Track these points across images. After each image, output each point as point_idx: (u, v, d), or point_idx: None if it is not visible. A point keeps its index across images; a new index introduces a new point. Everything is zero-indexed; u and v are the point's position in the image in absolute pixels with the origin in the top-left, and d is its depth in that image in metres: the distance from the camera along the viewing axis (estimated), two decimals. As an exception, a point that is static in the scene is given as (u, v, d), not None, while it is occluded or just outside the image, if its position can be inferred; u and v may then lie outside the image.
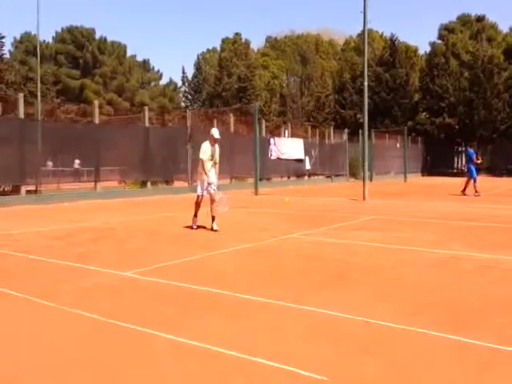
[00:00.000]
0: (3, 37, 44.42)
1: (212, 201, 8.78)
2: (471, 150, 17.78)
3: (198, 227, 8.90)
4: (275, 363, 3.02)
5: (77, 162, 17.93)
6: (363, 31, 16.28)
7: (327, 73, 55.85)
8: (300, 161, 25.65)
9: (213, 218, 8.72)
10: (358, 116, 40.59)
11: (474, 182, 16.96)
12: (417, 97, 44.10)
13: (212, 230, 8.63)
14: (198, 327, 3.71)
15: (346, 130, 32.44)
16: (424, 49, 61.34)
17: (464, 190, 17.07)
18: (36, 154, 14.62)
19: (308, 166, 26.74)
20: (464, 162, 46.40)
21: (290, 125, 29.83)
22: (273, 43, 69.34)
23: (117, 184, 18.71)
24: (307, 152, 26.39)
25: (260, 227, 9.27)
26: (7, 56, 45.43)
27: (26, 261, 6.13)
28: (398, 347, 3.33)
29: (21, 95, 15.35)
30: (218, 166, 9.04)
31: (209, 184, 8.73)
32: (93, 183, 16.42)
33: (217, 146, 8.99)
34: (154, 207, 13.40)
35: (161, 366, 3.04)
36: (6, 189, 14.22)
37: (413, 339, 3.48)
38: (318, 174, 28.49)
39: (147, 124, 18.79)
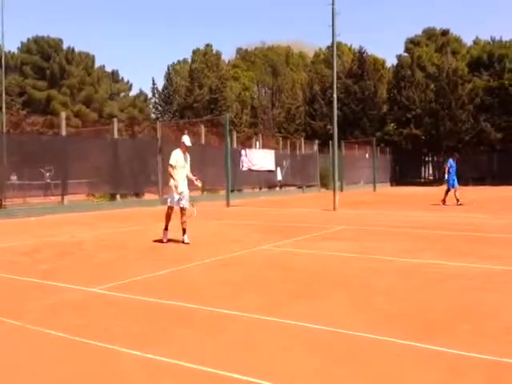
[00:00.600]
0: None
1: (182, 213, 8.60)
2: (451, 160, 17.89)
3: (169, 240, 8.72)
4: (250, 378, 2.98)
5: (47, 174, 17.48)
6: (332, 44, 16.60)
7: (298, 84, 56.63)
8: (271, 172, 25.80)
9: (184, 231, 8.57)
10: (328, 127, 41.14)
11: (455, 191, 17.18)
12: (385, 108, 45.17)
13: (183, 242, 8.49)
14: (169, 343, 3.64)
15: (316, 141, 32.84)
16: (391, 61, 62.87)
17: (444, 200, 17.25)
18: (1, 167, 14.21)
19: (279, 177, 26.89)
20: (431, 172, 47.64)
21: (261, 136, 30.00)
22: (243, 55, 69.91)
23: (85, 197, 18.34)
24: (278, 163, 26.57)
25: (232, 239, 9.23)
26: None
27: (-11, 278, 5.91)
28: (371, 357, 3.34)
29: (-16, 107, 14.94)
30: (189, 175, 8.84)
31: (180, 194, 8.55)
32: (60, 197, 16.06)
33: (187, 155, 8.83)
34: (123, 221, 13.19)
35: (129, 383, 2.97)
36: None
37: (385, 348, 3.50)
38: (289, 185, 28.68)
39: (116, 136, 18.55)
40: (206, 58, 57.39)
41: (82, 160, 17.27)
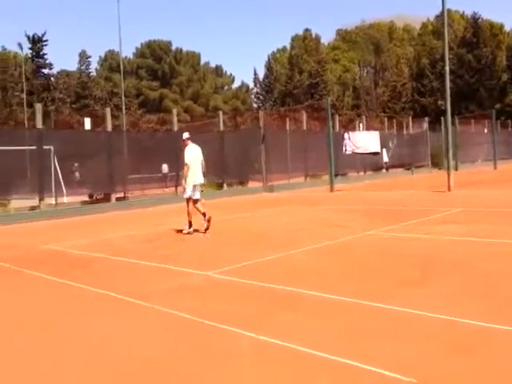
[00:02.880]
0: (89, 56, 47.93)
1: (195, 202, 8.88)
2: None
3: (195, 231, 8.82)
4: (359, 363, 3.01)
5: (164, 166, 18.62)
6: (442, 12, 15.50)
7: (403, 60, 53.84)
8: (377, 154, 24.93)
9: (205, 215, 8.73)
10: (440, 103, 38.69)
11: None
12: (505, 77, 41.10)
13: (206, 231, 8.65)
14: (278, 326, 3.80)
15: (426, 119, 31.06)
16: (510, 25, 56.89)
17: None
18: (123, 163, 15.61)
19: (386, 159, 25.95)
20: None
21: (365, 117, 29.17)
22: (343, 35, 68.07)
23: (169, 191, 19.36)
24: (384, 144, 25.59)
25: (337, 224, 9.19)
26: (94, 74, 48.90)
27: (120, 263, 6.61)
28: (488, 346, 3.18)
29: (108, 110, 16.47)
30: (204, 164, 9.12)
31: (194, 186, 8.89)
32: (174, 188, 17.19)
33: (197, 146, 9.09)
34: (230, 208, 13.74)
35: (244, 363, 3.17)
36: (98, 197, 15.33)
37: (503, 337, 3.31)
38: (396, 167, 27.55)
39: (222, 128, 19.32)
40: (305, 43, 56.99)
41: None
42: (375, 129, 27.52)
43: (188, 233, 8.82)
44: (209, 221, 8.71)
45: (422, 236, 7.40)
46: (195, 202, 8.94)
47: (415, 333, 3.51)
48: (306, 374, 2.95)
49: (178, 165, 17.03)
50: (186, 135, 9.18)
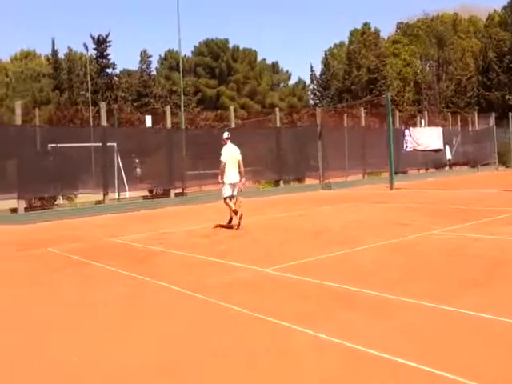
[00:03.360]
0: (150, 56, 49.48)
1: (236, 200, 9.26)
2: None
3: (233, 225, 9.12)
4: (421, 365, 2.92)
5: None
6: (510, 2, 14.62)
7: (468, 53, 51.37)
8: (439, 151, 24.03)
9: (236, 213, 9.01)
10: (507, 97, 36.64)
11: None
12: None
13: (239, 227, 8.94)
14: (337, 324, 3.75)
15: (492, 114, 29.47)
16: None
17: None
18: (181, 159, 16.00)
19: (449, 156, 24.93)
20: None
21: (427, 113, 28.13)
22: (405, 29, 65.86)
23: (251, 184, 19.54)
24: (447, 141, 24.59)
25: (399, 223, 8.93)
26: (154, 73, 50.47)
27: (179, 257, 6.78)
28: None
29: (168, 107, 16.97)
30: (241, 164, 9.34)
31: (233, 185, 9.23)
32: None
33: (235, 146, 9.35)
34: (287, 205, 13.71)
35: (301, 359, 3.15)
36: (157, 192, 15.82)
37: None
38: (460, 164, 26.38)
39: (278, 124, 19.31)
40: (363, 37, 55.67)
41: (249, 149, 18.43)
42: (438, 125, 26.50)
43: (230, 226, 9.18)
44: (240, 217, 8.98)
45: (487, 237, 7.04)
46: (231, 199, 9.28)
47: (479, 336, 3.35)
48: (366, 373, 2.89)
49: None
50: (225, 135, 9.52)
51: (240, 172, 9.41)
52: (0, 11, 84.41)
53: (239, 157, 9.42)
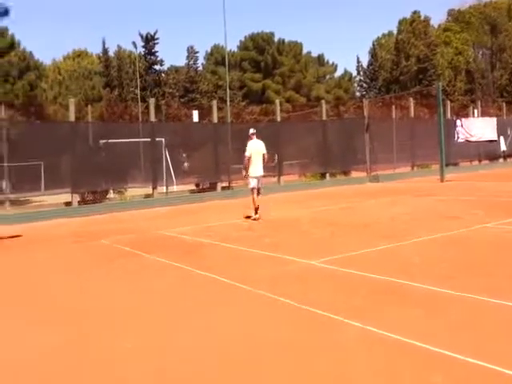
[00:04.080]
0: (197, 52, 50.15)
1: (258, 193, 9.80)
2: None
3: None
4: (476, 360, 2.83)
5: (276, 157, 18.77)
6: None
7: (524, 39, 48.72)
8: (493, 142, 23.00)
9: (257, 207, 9.63)
10: None
11: None
12: None
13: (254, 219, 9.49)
14: (387, 318, 3.69)
15: (551, 103, 27.89)
16: None
17: None
18: (227, 153, 16.16)
19: (503, 147, 23.81)
20: None
21: (480, 103, 26.94)
22: (456, 16, 63.29)
23: (297, 177, 19.46)
24: (502, 132, 23.50)
25: (450, 216, 8.64)
26: (200, 68, 51.13)
27: (226, 249, 6.87)
28: None
29: (214, 102, 17.14)
30: (265, 158, 9.88)
31: (258, 178, 9.79)
32: (277, 177, 17.41)
33: (260, 141, 9.87)
34: (333, 198, 13.56)
35: (353, 353, 3.13)
36: (204, 186, 16.06)
37: None
38: (516, 156, 25.14)
39: (324, 117, 19.10)
40: (412, 26, 53.94)
41: (295, 142, 18.35)
42: (491, 115, 25.38)
43: (254, 219, 9.57)
44: (256, 211, 9.64)
45: (548, 231, 6.69)
46: (258, 192, 9.83)
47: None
48: (418, 367, 2.84)
49: (280, 154, 17.28)
50: (251, 131, 10.00)
51: (264, 166, 9.98)
52: (53, 12, 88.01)
53: (264, 150, 9.94)
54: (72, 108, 13.48)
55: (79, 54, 56.57)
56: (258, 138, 10.10)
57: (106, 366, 3.18)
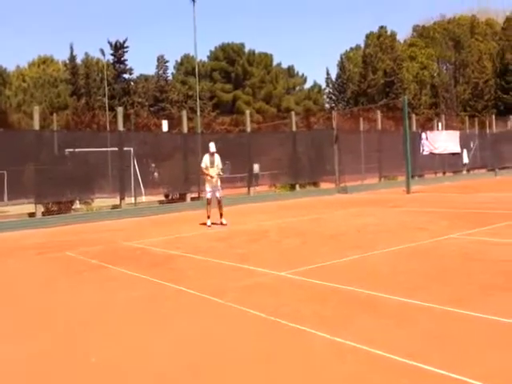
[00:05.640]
0: (167, 61, 49.93)
1: (218, 201, 10.66)
2: None
3: (213, 224, 10.48)
4: (443, 371, 2.86)
5: (256, 166, 18.74)
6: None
7: (485, 56, 50.76)
8: (456, 154, 23.74)
9: (221, 215, 10.60)
10: (526, 100, 35.99)
11: None
12: None
13: (221, 224, 10.45)
14: (356, 329, 3.70)
15: (510, 117, 29.07)
16: None
17: None
18: (197, 164, 16.03)
19: (466, 160, 24.61)
20: None
21: (444, 116, 27.82)
22: (421, 31, 65.45)
23: (267, 188, 19.53)
24: (465, 145, 24.30)
25: (416, 227, 8.82)
26: (170, 78, 50.89)
27: (195, 261, 6.78)
28: None
29: (184, 112, 17.04)
30: (220, 171, 10.71)
31: (214, 187, 10.61)
32: (246, 189, 17.42)
33: (216, 156, 10.64)
34: (303, 209, 13.66)
35: (321, 363, 3.11)
36: (173, 197, 15.89)
37: None
38: (478, 168, 26.01)
39: (294, 128, 19.28)
40: (379, 40, 55.45)
41: (264, 153, 18.44)
42: (455, 128, 26.21)
43: (209, 226, 10.35)
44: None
45: (506, 240, 6.91)
46: (218, 200, 10.70)
47: (502, 341, 3.28)
48: (387, 378, 2.84)
49: (250, 166, 17.32)
50: (211, 149, 10.61)
51: (217, 175, 10.71)
52: (18, 18, 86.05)
53: (218, 163, 10.69)
54: (36, 116, 13.15)
55: (44, 61, 55.42)
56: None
57: (67, 381, 3.07)
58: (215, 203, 10.74)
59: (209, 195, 10.70)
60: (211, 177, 10.51)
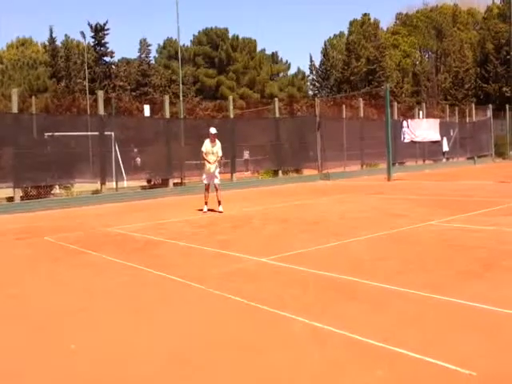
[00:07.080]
0: (149, 45, 49.08)
1: (216, 189, 10.42)
2: None
3: (209, 210, 10.34)
4: (419, 355, 2.94)
5: (246, 153, 18.78)
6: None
7: (466, 45, 51.19)
8: (436, 142, 24.07)
9: (219, 203, 10.29)
10: (504, 89, 36.59)
11: None
12: None
13: (219, 211, 10.16)
14: (336, 314, 3.76)
15: (490, 106, 29.48)
16: None
17: None
18: (180, 149, 15.95)
19: (446, 148, 24.97)
20: None
21: (425, 105, 28.09)
22: (404, 20, 65.58)
23: (250, 174, 19.52)
24: (445, 133, 24.63)
25: (396, 213, 8.95)
26: (153, 62, 50.09)
27: (177, 247, 6.78)
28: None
29: (166, 97, 16.82)
30: (220, 157, 10.59)
31: (212, 173, 10.38)
32: (229, 174, 17.38)
33: (217, 143, 10.39)
34: (285, 196, 13.71)
35: (300, 348, 3.16)
36: (155, 182, 15.78)
37: None
38: (457, 156, 26.44)
39: (277, 115, 19.24)
40: (363, 28, 55.43)
41: (248, 139, 18.40)
42: (436, 117, 26.51)
43: (204, 212, 10.19)
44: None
45: (484, 227, 7.07)
46: (216, 187, 10.46)
47: (476, 326, 3.37)
48: (363, 362, 2.91)
49: (234, 151, 17.26)
50: (212, 131, 10.31)
51: (218, 162, 10.66)
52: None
53: (218, 150, 10.42)
54: (15, 98, 12.85)
55: (23, 43, 54.03)
56: (207, 135, 10.45)
57: (47, 368, 3.05)
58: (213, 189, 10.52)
59: (205, 181, 10.51)
60: (209, 163, 10.29)
